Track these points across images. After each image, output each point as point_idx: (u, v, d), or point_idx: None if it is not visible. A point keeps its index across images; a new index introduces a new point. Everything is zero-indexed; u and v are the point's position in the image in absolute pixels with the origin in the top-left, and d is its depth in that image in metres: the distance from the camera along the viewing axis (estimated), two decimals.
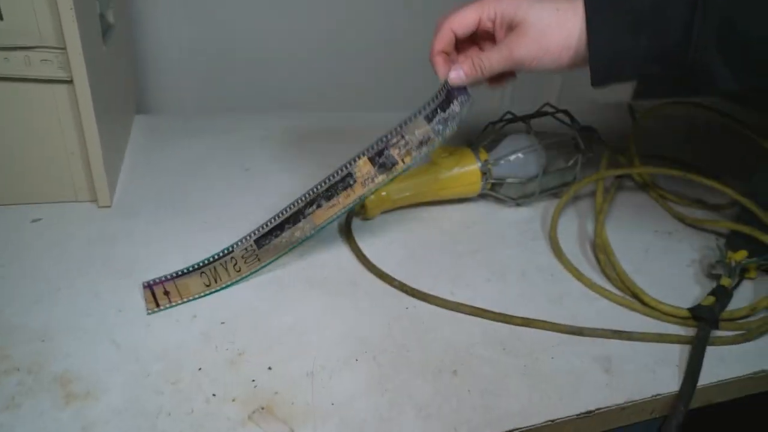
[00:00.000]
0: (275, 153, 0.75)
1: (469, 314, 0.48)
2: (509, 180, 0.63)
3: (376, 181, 0.48)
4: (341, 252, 0.56)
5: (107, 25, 0.66)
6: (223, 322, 0.45)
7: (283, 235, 0.49)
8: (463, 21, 0.48)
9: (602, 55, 0.43)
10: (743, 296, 0.55)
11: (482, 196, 0.66)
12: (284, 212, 0.49)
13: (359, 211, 0.60)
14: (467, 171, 0.62)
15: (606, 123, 0.88)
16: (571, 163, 0.66)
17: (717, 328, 0.49)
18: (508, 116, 0.67)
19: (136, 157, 0.70)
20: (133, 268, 0.50)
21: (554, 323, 0.47)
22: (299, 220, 0.49)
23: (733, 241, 0.62)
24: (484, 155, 0.63)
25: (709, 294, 0.52)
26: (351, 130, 0.83)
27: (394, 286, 0.51)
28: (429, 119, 0.48)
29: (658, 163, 0.75)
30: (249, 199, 0.63)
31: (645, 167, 0.70)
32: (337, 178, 0.48)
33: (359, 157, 0.48)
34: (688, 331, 0.49)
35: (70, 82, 0.49)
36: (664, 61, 0.43)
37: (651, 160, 0.78)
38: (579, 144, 0.66)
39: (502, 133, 0.66)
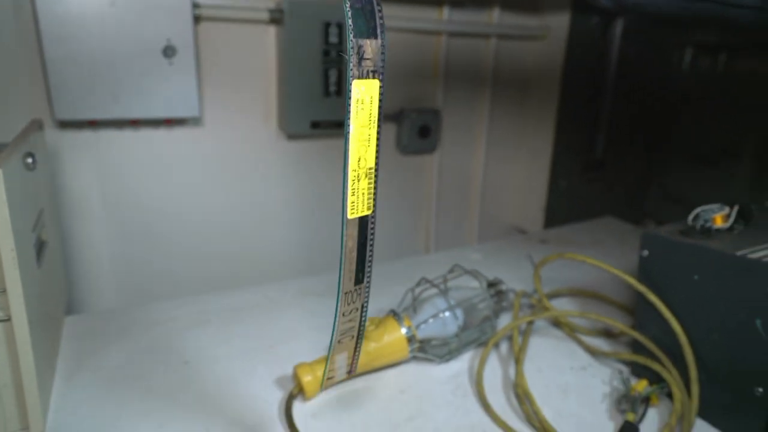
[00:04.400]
0: (215, 337, 0.77)
1: None
2: (434, 342, 0.69)
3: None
4: None
5: (41, 243, 0.70)
6: None
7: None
8: None
9: None
10: (650, 426, 0.61)
11: (413, 357, 0.71)
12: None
13: (299, 393, 0.63)
14: (394, 339, 0.68)
15: (512, 271, 0.99)
16: (485, 314, 0.74)
17: None
18: (424, 282, 0.75)
19: (68, 368, 0.70)
20: None
21: None
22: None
23: (636, 368, 0.70)
24: (408, 322, 0.69)
25: None
26: (287, 299, 0.88)
27: None
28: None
29: (563, 295, 0.85)
30: (190, 397, 0.64)
31: (550, 311, 0.79)
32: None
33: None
34: None
35: (7, 320, 0.51)
36: None
37: (557, 296, 0.88)
38: (490, 298, 0.75)
39: (422, 298, 0.73)
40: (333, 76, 1.15)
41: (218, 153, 1.13)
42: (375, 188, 0.49)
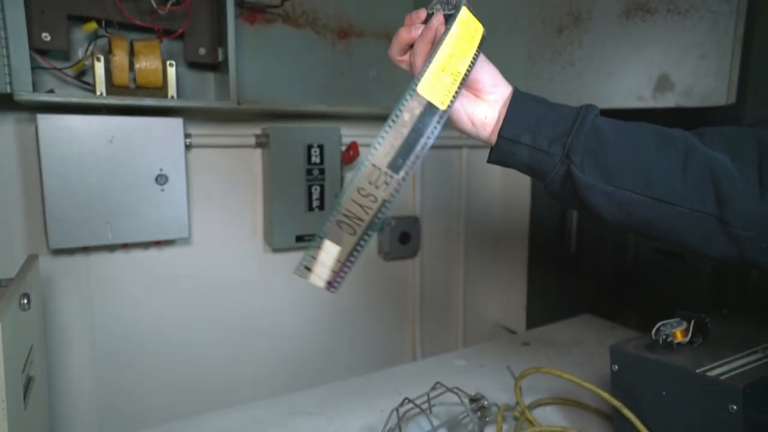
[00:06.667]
0: None
1: None
2: None
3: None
4: None
5: (29, 380, 0.71)
6: None
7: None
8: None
9: (517, 111, 0.54)
10: None
11: None
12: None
13: None
14: None
15: (496, 377, 1.01)
16: (470, 431, 0.75)
17: None
18: (407, 402, 0.76)
19: None
20: None
21: None
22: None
23: None
24: None
25: None
26: (275, 419, 0.87)
27: None
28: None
29: (546, 404, 0.86)
30: None
31: (533, 427, 0.80)
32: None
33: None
34: None
35: None
36: (553, 146, 0.52)
37: (540, 405, 0.89)
38: (473, 413, 0.76)
39: (407, 417, 0.75)
40: (316, 192, 1.22)
41: (207, 269, 1.17)
42: (454, 96, 0.48)
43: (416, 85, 0.46)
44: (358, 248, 0.45)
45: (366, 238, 0.45)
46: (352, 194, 0.44)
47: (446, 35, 0.48)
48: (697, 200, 0.50)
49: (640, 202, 0.51)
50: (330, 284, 0.47)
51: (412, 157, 0.46)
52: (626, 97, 1.04)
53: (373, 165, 0.44)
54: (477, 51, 0.51)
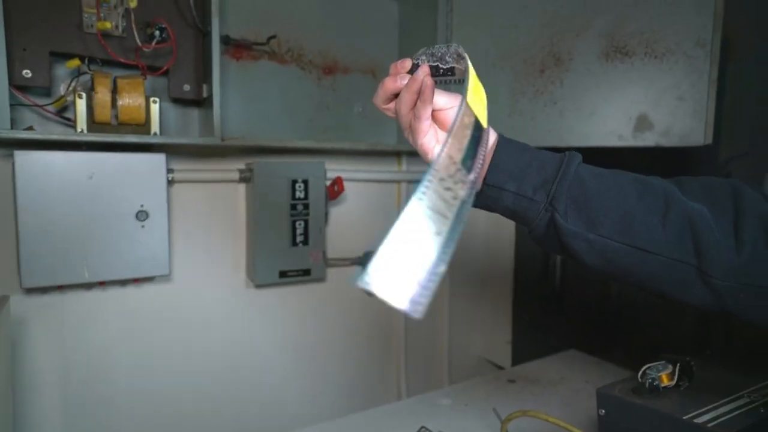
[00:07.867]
0: None
1: None
2: None
3: None
4: None
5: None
6: None
7: None
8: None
9: (502, 157, 0.54)
10: None
11: None
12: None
13: None
14: None
15: (482, 416, 0.99)
16: None
17: None
18: None
19: None
20: None
21: None
22: None
23: None
24: None
25: None
26: None
27: None
28: None
29: None
30: None
31: None
32: None
33: None
34: None
35: None
36: (538, 193, 0.53)
37: None
38: None
39: None
40: (300, 227, 1.21)
41: (187, 307, 1.14)
42: (486, 121, 0.50)
43: (465, 97, 0.46)
44: (444, 255, 0.35)
45: (450, 243, 0.36)
46: (435, 183, 0.36)
47: (467, 72, 0.50)
48: (676, 250, 0.50)
49: (620, 250, 0.51)
50: (414, 303, 0.33)
51: (477, 162, 0.42)
52: (607, 135, 1.06)
53: (449, 156, 0.38)
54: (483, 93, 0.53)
